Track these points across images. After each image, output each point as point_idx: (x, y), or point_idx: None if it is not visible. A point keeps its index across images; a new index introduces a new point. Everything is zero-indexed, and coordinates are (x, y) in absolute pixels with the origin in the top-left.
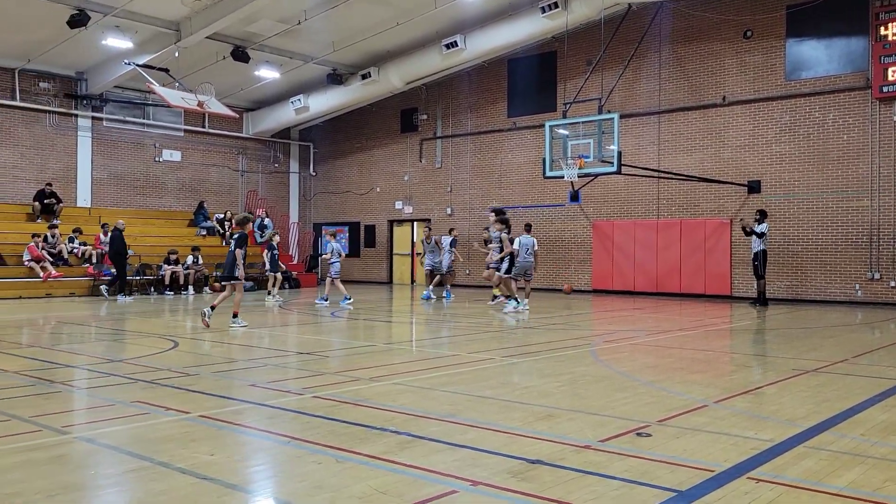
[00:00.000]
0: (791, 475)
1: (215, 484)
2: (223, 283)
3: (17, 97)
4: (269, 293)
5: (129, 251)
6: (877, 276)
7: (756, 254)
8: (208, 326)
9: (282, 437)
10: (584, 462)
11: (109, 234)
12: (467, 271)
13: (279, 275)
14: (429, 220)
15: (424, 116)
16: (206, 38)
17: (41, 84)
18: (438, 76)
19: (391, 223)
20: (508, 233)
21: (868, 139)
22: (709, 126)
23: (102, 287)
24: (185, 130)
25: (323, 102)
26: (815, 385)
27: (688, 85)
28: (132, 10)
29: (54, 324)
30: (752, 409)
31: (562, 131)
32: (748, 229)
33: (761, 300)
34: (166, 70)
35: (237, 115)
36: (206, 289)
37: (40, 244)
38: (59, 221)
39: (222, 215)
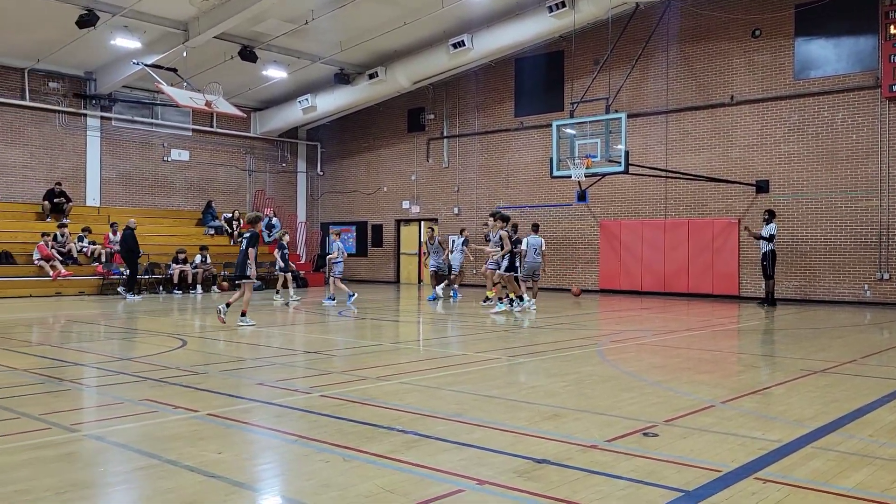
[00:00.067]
0: (799, 476)
1: (223, 482)
2: (236, 281)
3: (27, 97)
4: (277, 292)
5: (140, 251)
6: (886, 276)
7: (765, 254)
8: (224, 323)
9: (289, 436)
10: (590, 462)
11: (121, 233)
12: (474, 271)
13: (289, 275)
14: (436, 220)
15: (431, 116)
16: (214, 37)
17: (50, 84)
18: (445, 76)
19: (398, 223)
20: (516, 232)
21: (877, 139)
22: (717, 125)
23: (120, 289)
24: (194, 130)
25: (330, 102)
26: (824, 385)
27: (696, 84)
28: (140, 10)
29: (64, 322)
30: (759, 410)
31: (569, 131)
32: (756, 234)
33: (770, 300)
34: (174, 70)
35: (245, 115)
36: (215, 288)
37: (50, 243)
38: (68, 221)
39: (230, 214)
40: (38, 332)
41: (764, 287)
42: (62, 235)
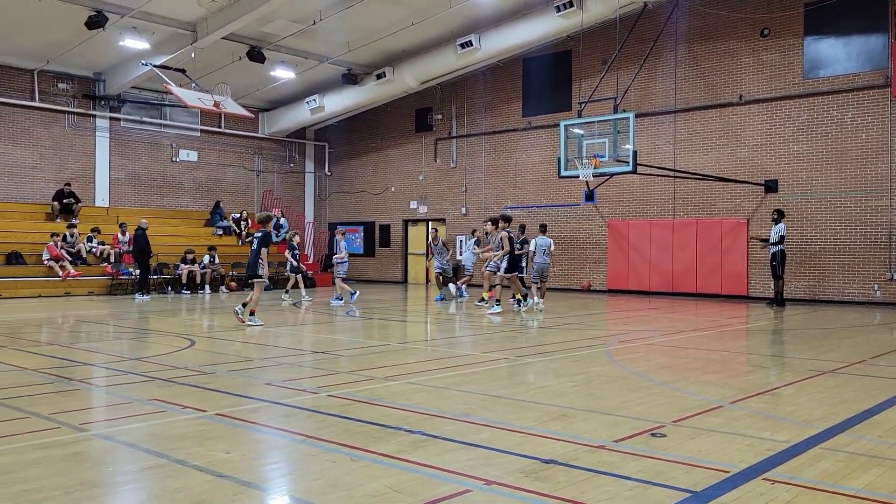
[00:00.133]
0: (807, 477)
1: (231, 482)
2: (249, 280)
3: (37, 98)
4: (286, 292)
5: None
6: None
7: (774, 254)
8: (243, 322)
9: (297, 436)
10: (598, 462)
11: (132, 233)
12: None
13: (300, 276)
14: (443, 221)
15: (439, 116)
16: (222, 38)
17: (60, 85)
18: (453, 76)
19: (406, 223)
20: (523, 232)
21: (887, 138)
22: (725, 125)
23: (137, 296)
24: (202, 130)
25: (338, 102)
26: (833, 386)
27: (704, 84)
28: (149, 11)
29: (73, 322)
30: (768, 410)
31: (577, 131)
32: (766, 241)
33: (778, 300)
34: (183, 71)
35: (253, 116)
36: (223, 288)
37: (59, 243)
38: (77, 221)
39: (238, 215)
40: (47, 332)
41: (773, 287)
42: (71, 236)
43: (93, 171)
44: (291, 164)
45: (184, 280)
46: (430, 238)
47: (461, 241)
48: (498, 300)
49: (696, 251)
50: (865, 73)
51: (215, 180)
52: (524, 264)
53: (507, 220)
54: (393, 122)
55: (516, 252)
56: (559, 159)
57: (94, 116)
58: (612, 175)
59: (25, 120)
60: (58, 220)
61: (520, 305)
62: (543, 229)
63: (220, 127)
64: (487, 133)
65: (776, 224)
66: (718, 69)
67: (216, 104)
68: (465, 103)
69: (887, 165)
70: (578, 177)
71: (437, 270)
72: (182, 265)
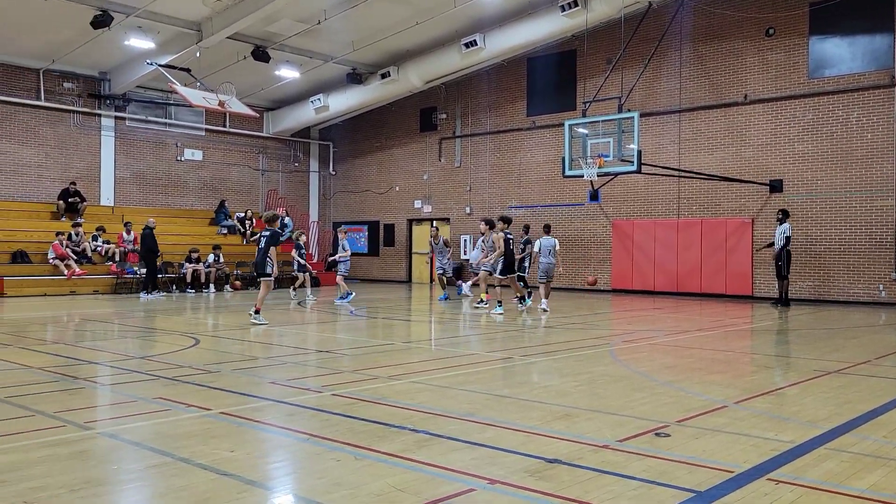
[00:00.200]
0: (812, 477)
1: (235, 480)
2: (258, 278)
3: (42, 97)
4: (294, 290)
5: (158, 251)
6: None
7: (779, 254)
8: (266, 324)
9: (301, 435)
10: (602, 462)
11: (137, 232)
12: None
13: (307, 275)
14: (447, 220)
15: (444, 115)
16: (227, 38)
17: (65, 84)
18: (457, 75)
19: (410, 222)
20: (527, 233)
21: (892, 138)
22: (730, 125)
23: (151, 294)
24: (207, 130)
25: (342, 102)
26: (837, 386)
27: (709, 83)
28: (154, 10)
29: (78, 321)
30: (772, 411)
31: (581, 130)
32: (771, 244)
33: (783, 301)
34: (188, 70)
35: (258, 115)
36: (227, 287)
37: (64, 242)
38: (82, 220)
39: (243, 214)
40: (52, 330)
41: (777, 287)
42: (77, 235)
43: (98, 171)
44: (296, 164)
45: (188, 279)
46: (430, 236)
47: (466, 240)
48: (500, 301)
49: (701, 251)
50: (871, 72)
51: (220, 179)
52: (527, 264)
53: (507, 221)
54: (397, 121)
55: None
56: (564, 159)
57: (100, 116)
58: (616, 175)
59: (31, 119)
60: (63, 219)
61: (522, 304)
62: (547, 230)
63: (224, 126)
64: (492, 132)
65: (781, 224)
66: (723, 69)
67: (221, 103)
68: (469, 103)
69: (892, 165)
70: (583, 176)
71: (439, 271)
72: (187, 264)
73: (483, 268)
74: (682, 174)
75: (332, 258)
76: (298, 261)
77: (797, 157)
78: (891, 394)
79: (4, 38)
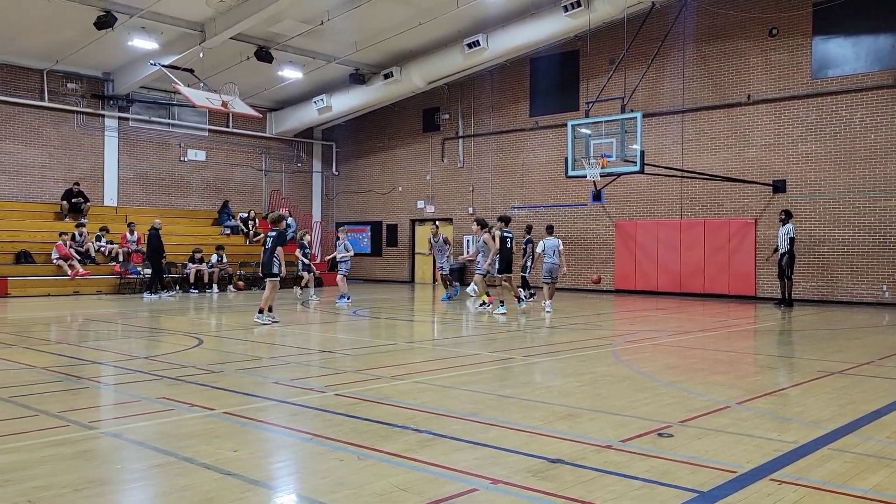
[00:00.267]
0: (815, 477)
1: (238, 480)
2: (265, 278)
3: (46, 98)
4: (301, 289)
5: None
6: None
7: (783, 254)
8: (278, 322)
9: (304, 435)
10: (605, 462)
11: (140, 233)
12: None
13: (311, 274)
14: (450, 220)
15: (446, 116)
16: (231, 38)
17: (69, 85)
18: (460, 75)
19: (413, 222)
20: (529, 233)
21: None
22: (733, 125)
23: (163, 294)
24: (210, 130)
25: (345, 102)
26: (841, 387)
27: (712, 84)
28: (157, 11)
29: (81, 321)
30: (775, 411)
31: (584, 130)
32: (775, 248)
33: (786, 301)
34: (191, 70)
35: (261, 115)
36: (230, 287)
37: (68, 242)
38: (86, 220)
39: (246, 214)
40: (56, 330)
41: (780, 288)
42: (80, 235)
43: (101, 171)
44: (299, 164)
45: (192, 279)
46: (430, 235)
47: (468, 241)
48: (502, 301)
49: (704, 251)
50: (874, 73)
51: (223, 180)
52: (529, 264)
53: (506, 220)
54: (400, 121)
55: (522, 253)
56: (566, 159)
57: (103, 116)
58: (619, 175)
59: (35, 120)
60: (67, 219)
61: (520, 303)
62: (550, 230)
63: (228, 127)
64: (495, 133)
65: (784, 225)
66: (726, 69)
67: (224, 104)
68: (472, 103)
69: None
70: (586, 177)
71: (444, 272)
72: (190, 264)
73: (477, 271)
74: (685, 174)
75: (331, 256)
76: (303, 260)
77: (800, 157)
78: (894, 394)
79: (8, 38)
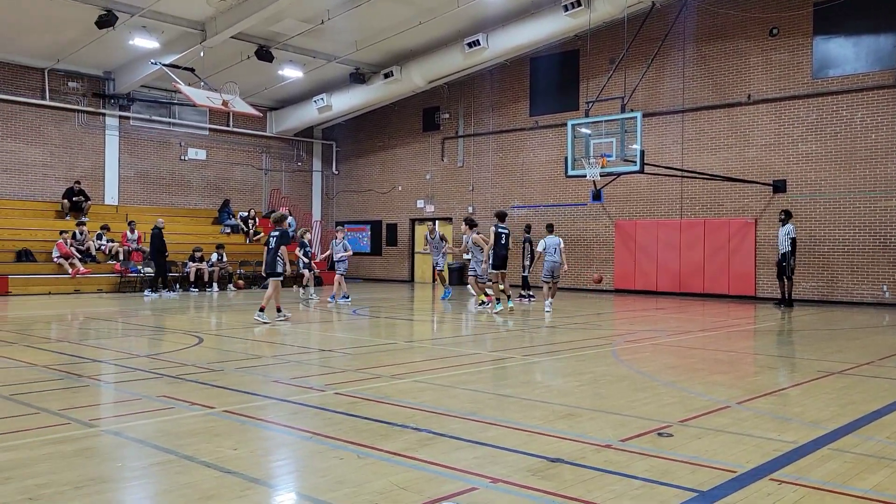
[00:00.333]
0: (815, 477)
1: (238, 478)
2: (268, 278)
3: (47, 96)
4: (304, 287)
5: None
6: None
7: (784, 254)
8: (288, 320)
9: (304, 433)
10: (604, 461)
11: (143, 231)
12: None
13: (312, 273)
14: (450, 220)
15: (446, 115)
16: (231, 37)
17: (70, 84)
18: (460, 75)
19: (413, 222)
20: (528, 232)
21: None
22: (733, 125)
23: (167, 292)
24: (210, 129)
25: (345, 101)
26: (841, 387)
27: (712, 83)
28: (158, 10)
29: (82, 319)
30: (775, 411)
31: (584, 130)
32: (791, 262)
33: (786, 301)
34: (192, 70)
35: (261, 114)
36: (230, 286)
37: (69, 241)
38: (87, 219)
39: (246, 213)
40: (56, 328)
41: (779, 288)
42: (81, 233)
43: (102, 170)
44: (299, 163)
45: (192, 278)
46: (427, 231)
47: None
48: (499, 299)
49: (704, 251)
50: (875, 72)
51: (223, 179)
52: (528, 263)
53: (501, 216)
54: (400, 121)
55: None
56: (566, 159)
57: (104, 115)
58: (619, 175)
59: (36, 118)
60: (67, 217)
61: (480, 306)
62: (550, 229)
63: (228, 126)
64: (494, 132)
65: (784, 225)
66: (727, 69)
67: (225, 103)
68: (472, 102)
69: None
70: (586, 176)
71: (439, 268)
72: (190, 263)
73: (470, 273)
74: (685, 174)
75: (327, 254)
76: (303, 259)
77: (801, 157)
78: (894, 395)
79: (9, 37)
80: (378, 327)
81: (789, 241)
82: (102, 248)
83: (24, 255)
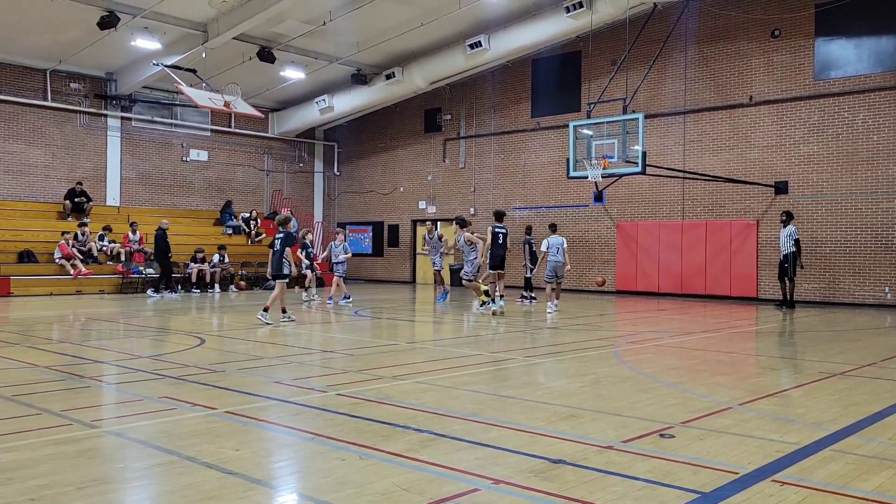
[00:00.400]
0: (816, 478)
1: (240, 479)
2: (274, 279)
3: (49, 97)
4: (307, 288)
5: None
6: None
7: (786, 255)
8: (294, 320)
9: (306, 434)
10: (606, 462)
11: (144, 233)
12: None
13: (314, 274)
14: (451, 221)
15: (448, 116)
16: (233, 38)
17: (72, 85)
18: (462, 76)
19: (414, 223)
20: (530, 233)
21: None
22: (735, 126)
23: (170, 293)
24: (212, 130)
25: (347, 102)
26: (843, 388)
27: (714, 85)
28: (160, 11)
29: (84, 320)
30: (777, 412)
31: (586, 131)
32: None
33: (788, 302)
34: (194, 71)
35: (263, 116)
36: (232, 287)
37: (71, 242)
38: (88, 220)
39: (248, 214)
40: (58, 329)
41: (781, 289)
42: (83, 234)
43: (104, 171)
44: (301, 164)
45: (194, 279)
46: (426, 231)
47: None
48: (500, 296)
49: (706, 252)
50: (877, 74)
51: (225, 180)
52: (531, 265)
53: (499, 216)
54: (402, 122)
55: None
56: (568, 160)
57: (106, 116)
58: (621, 176)
59: (38, 119)
60: (69, 218)
61: (483, 306)
62: (554, 228)
63: (230, 127)
64: (496, 133)
65: (785, 226)
66: (728, 70)
67: (226, 104)
68: (473, 104)
69: None
70: (587, 178)
71: (437, 268)
72: (192, 264)
73: (464, 277)
74: (687, 176)
75: (325, 254)
76: (305, 260)
77: (803, 158)
78: None
79: (11, 38)
80: (379, 328)
81: (793, 242)
82: (104, 249)
83: (25, 256)
